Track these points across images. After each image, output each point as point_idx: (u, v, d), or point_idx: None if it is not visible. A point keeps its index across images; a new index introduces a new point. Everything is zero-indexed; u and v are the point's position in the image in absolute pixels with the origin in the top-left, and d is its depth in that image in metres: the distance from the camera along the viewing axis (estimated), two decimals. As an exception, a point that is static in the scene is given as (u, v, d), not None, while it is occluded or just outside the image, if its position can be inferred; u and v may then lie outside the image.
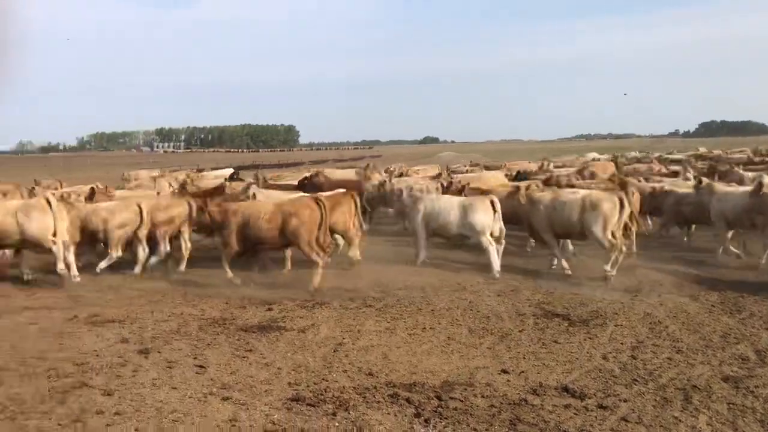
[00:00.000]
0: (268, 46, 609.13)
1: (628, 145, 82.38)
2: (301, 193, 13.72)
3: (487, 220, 11.72)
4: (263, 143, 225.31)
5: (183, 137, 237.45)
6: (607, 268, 10.78)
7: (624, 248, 11.05)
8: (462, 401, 5.89)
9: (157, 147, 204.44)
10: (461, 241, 12.59)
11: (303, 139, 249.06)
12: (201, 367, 6.85)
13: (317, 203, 10.94)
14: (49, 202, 11.06)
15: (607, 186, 14.27)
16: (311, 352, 7.34)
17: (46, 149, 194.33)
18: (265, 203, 12.03)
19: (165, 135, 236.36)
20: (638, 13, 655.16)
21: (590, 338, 7.73)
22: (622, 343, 7.49)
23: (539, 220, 11.76)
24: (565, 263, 11.66)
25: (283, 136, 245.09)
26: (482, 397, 6.01)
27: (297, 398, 5.95)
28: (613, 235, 11.00)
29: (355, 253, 12.13)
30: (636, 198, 12.72)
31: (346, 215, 12.04)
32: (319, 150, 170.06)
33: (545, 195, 12.16)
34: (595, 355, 7.13)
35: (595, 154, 39.05)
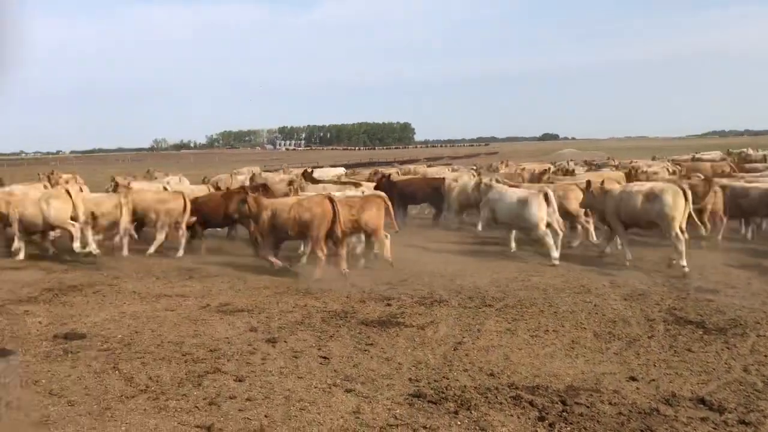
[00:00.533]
0: (383, 46, 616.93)
1: (764, 143, 76.23)
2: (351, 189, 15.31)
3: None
4: (379, 141, 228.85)
5: (303, 135, 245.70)
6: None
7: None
8: (588, 407, 5.67)
9: (280, 145, 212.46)
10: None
11: (418, 137, 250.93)
12: (325, 358, 7.04)
13: (330, 202, 11.73)
14: (68, 192, 13.50)
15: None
16: (431, 349, 7.35)
17: (179, 147, 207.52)
18: (288, 199, 13.05)
19: (287, 133, 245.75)
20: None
21: (728, 348, 7.21)
22: (765, 356, 6.94)
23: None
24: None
25: (399, 134, 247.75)
26: (609, 404, 5.76)
27: (418, 394, 5.97)
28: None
29: (385, 253, 12.32)
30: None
31: (375, 216, 12.26)
32: (434, 147, 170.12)
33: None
34: (735, 366, 6.65)
35: (715, 153, 35.87)
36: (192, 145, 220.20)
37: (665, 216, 11.54)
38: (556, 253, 12.35)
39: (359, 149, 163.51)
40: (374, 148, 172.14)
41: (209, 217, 14.64)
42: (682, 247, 11.36)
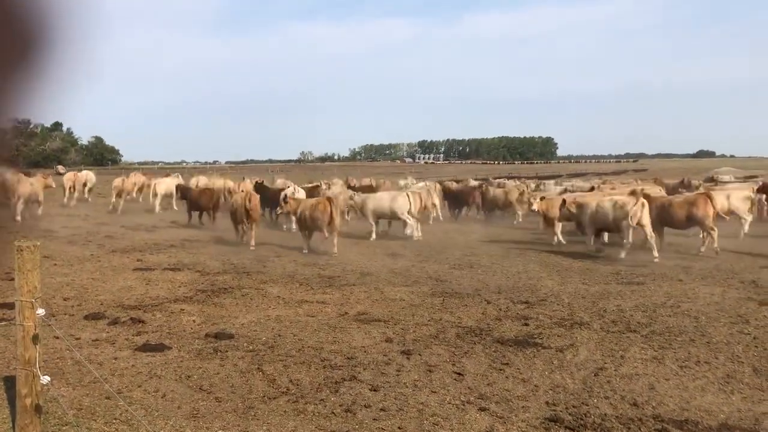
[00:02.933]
0: (527, 59, 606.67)
1: None
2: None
3: None
4: (520, 155, 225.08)
5: (442, 149, 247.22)
6: None
7: None
8: (745, 449, 5.21)
9: (419, 158, 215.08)
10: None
11: (561, 152, 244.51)
12: (459, 374, 6.99)
13: (329, 201, 16.44)
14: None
15: None
16: (570, 373, 7.08)
17: (323, 159, 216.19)
18: (309, 200, 17.85)
19: (426, 147, 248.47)
20: None
21: None
22: None
23: None
24: None
25: (540, 148, 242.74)
26: (771, 448, 5.25)
27: (555, 419, 5.76)
28: None
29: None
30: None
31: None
32: (578, 163, 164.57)
33: None
34: None
35: None
36: (336, 157, 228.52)
37: None
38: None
39: (499, 163, 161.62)
40: (514, 163, 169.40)
41: None
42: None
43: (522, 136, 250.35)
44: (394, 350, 7.84)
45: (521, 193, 24.57)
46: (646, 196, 16.31)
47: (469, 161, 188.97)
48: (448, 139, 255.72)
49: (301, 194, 21.50)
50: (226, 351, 7.81)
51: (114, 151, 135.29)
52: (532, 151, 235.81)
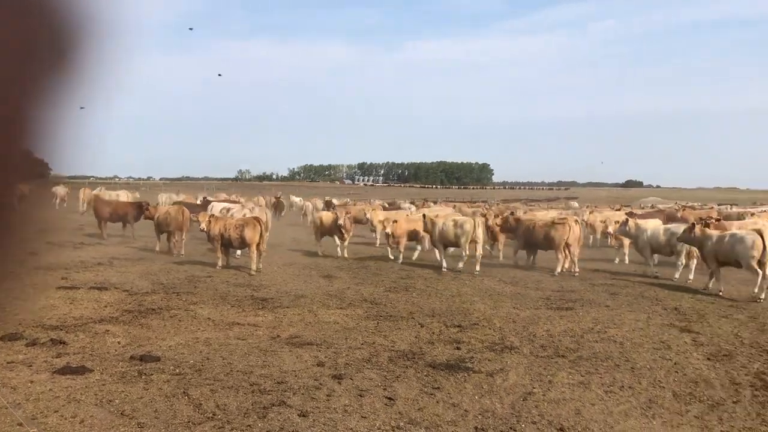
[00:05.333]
0: (465, 86, 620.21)
1: None
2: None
3: None
4: (457, 180, 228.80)
5: (382, 172, 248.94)
6: None
7: None
8: (665, 474, 5.34)
9: (358, 180, 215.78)
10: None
11: (497, 178, 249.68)
12: (390, 399, 6.95)
13: (258, 221, 16.61)
14: None
15: None
16: (499, 397, 7.14)
17: (261, 178, 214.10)
18: (233, 219, 17.87)
19: (366, 169, 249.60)
20: None
21: (825, 421, 6.67)
22: None
23: None
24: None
25: (477, 174, 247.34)
26: (689, 472, 5.41)
27: (483, 444, 5.79)
28: None
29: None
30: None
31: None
32: (512, 189, 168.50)
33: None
34: (831, 442, 6.13)
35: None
36: (274, 176, 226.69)
37: None
38: None
39: (436, 187, 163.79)
40: (451, 187, 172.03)
41: None
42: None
43: (459, 162, 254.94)
44: (326, 374, 7.75)
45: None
46: (516, 219, 19.00)
47: (407, 184, 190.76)
48: (387, 162, 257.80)
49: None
50: (151, 374, 7.55)
51: (42, 164, 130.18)
52: (469, 177, 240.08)
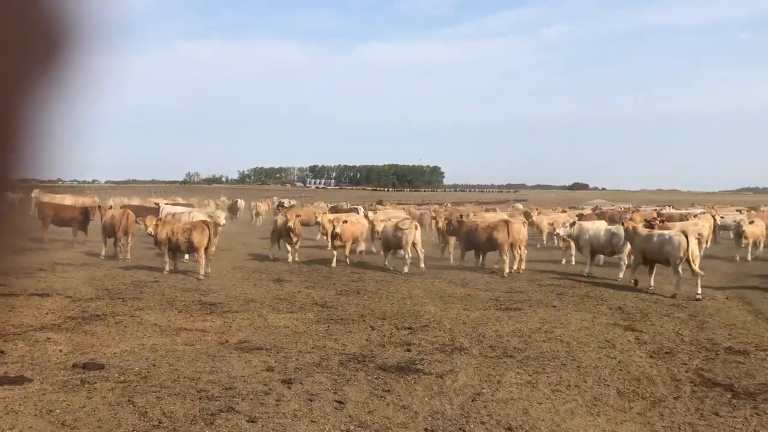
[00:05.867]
0: (418, 91, 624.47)
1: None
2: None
3: None
4: (408, 183, 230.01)
5: (334, 174, 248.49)
6: None
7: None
8: (608, 470, 5.47)
9: (310, 183, 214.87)
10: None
11: (447, 181, 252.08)
12: (340, 402, 6.93)
13: (207, 225, 16.38)
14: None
15: None
16: (449, 399, 7.20)
17: (210, 181, 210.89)
18: (181, 222, 17.73)
19: (317, 172, 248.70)
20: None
21: (758, 414, 6.93)
22: (797, 425, 6.65)
23: None
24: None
25: (428, 177, 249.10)
26: (631, 467, 5.55)
27: (433, 446, 5.82)
28: None
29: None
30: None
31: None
32: (462, 192, 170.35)
33: None
34: (764, 434, 6.39)
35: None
36: (224, 179, 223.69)
37: None
38: None
39: (388, 190, 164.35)
40: (403, 190, 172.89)
41: None
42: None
43: (411, 164, 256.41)
44: (275, 379, 7.67)
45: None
46: (459, 221, 19.49)
47: (359, 187, 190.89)
48: (339, 165, 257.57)
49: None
50: (95, 382, 7.34)
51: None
52: (420, 180, 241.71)
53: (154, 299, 12.79)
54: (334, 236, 19.01)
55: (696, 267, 14.13)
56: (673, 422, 6.66)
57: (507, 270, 17.19)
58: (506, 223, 18.00)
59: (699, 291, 13.89)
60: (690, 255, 14.14)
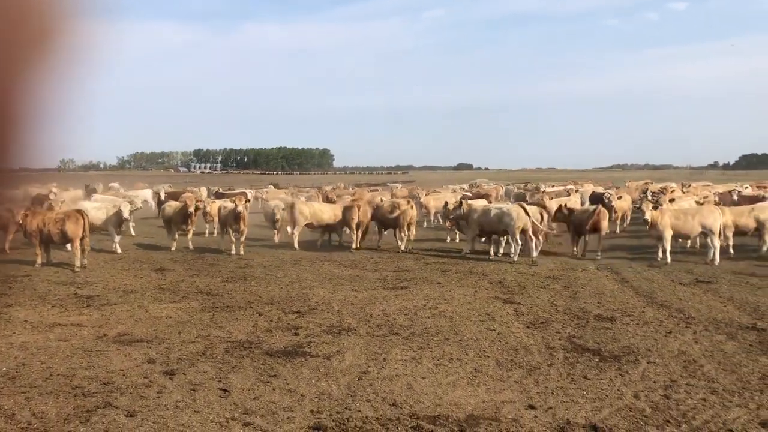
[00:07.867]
0: (305, 73, 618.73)
1: (663, 176, 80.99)
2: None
3: None
4: (298, 166, 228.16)
5: (220, 159, 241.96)
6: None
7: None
8: (487, 436, 5.74)
9: (194, 168, 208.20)
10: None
11: (337, 163, 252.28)
12: (225, 390, 6.83)
13: (81, 214, 15.53)
14: None
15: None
16: (335, 379, 7.27)
17: (87, 167, 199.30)
18: (53, 213, 16.41)
19: (202, 156, 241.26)
20: (680, 45, 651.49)
21: (621, 375, 7.50)
22: (654, 382, 7.24)
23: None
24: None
25: (318, 160, 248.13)
26: (508, 432, 5.85)
27: (318, 427, 5.88)
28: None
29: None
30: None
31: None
32: (353, 174, 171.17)
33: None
34: (626, 393, 6.91)
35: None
36: (102, 165, 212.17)
37: None
38: None
39: (278, 173, 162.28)
40: (293, 173, 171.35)
41: None
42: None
43: (300, 147, 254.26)
44: (157, 371, 7.44)
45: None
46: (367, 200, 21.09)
47: (247, 171, 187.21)
48: (225, 149, 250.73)
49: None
50: (-46, 388, 6.82)
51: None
52: (310, 162, 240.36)
53: (25, 294, 12.00)
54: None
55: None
56: (547, 387, 7.07)
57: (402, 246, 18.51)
58: (355, 202, 19.86)
59: (513, 254, 16.38)
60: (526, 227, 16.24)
